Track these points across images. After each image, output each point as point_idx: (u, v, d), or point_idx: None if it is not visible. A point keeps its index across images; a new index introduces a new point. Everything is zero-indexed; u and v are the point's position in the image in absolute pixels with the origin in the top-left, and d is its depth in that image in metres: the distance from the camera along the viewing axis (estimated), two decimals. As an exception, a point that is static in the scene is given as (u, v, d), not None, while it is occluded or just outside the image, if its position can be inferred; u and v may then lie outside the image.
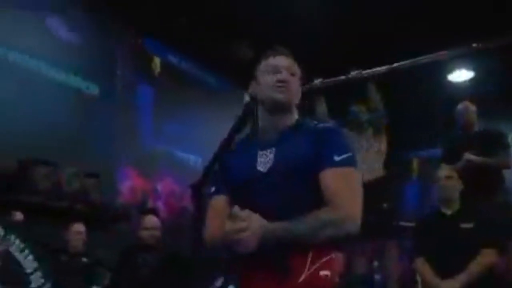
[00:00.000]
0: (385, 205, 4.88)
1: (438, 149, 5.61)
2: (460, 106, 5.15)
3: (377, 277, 5.54)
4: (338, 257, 4.04)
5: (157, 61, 7.86)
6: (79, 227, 4.95)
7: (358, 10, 6.88)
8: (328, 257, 1.81)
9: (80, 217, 5.18)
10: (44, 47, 6.37)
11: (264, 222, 1.72)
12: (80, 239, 4.90)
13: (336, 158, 1.83)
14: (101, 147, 6.50)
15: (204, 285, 4.23)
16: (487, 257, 3.81)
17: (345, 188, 1.81)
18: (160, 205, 7.21)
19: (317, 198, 1.81)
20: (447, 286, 3.77)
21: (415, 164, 10.18)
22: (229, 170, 1.97)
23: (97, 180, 6.05)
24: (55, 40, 6.50)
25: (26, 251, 5.11)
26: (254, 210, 1.77)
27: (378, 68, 5.16)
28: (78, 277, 4.72)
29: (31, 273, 5.09)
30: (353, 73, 5.14)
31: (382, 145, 5.07)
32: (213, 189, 2.00)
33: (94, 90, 6.85)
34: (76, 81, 6.64)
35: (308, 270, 1.77)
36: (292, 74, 2.03)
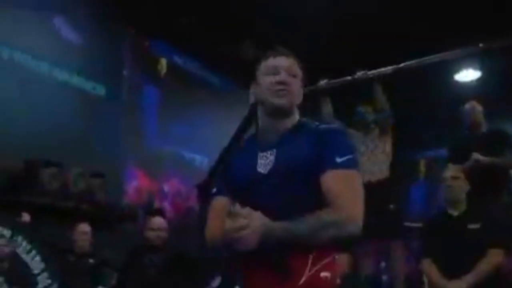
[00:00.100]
0: (391, 206, 4.86)
1: (445, 149, 5.58)
2: (466, 106, 5.13)
3: (384, 277, 5.53)
4: (343, 258, 4.05)
5: (163, 62, 7.88)
6: (85, 227, 4.96)
7: (364, 10, 6.86)
8: (329, 259, 1.81)
9: (86, 218, 5.18)
10: (51, 47, 6.39)
11: (265, 220, 1.72)
12: (86, 240, 4.90)
13: (338, 160, 1.82)
14: (107, 147, 6.52)
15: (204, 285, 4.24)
16: (494, 258, 3.79)
17: (346, 189, 1.79)
18: (166, 205, 7.22)
19: (318, 200, 1.80)
20: (454, 287, 3.75)
21: (422, 164, 10.15)
22: (229, 171, 1.95)
23: (103, 180, 6.06)
24: (61, 41, 6.52)
25: (33, 252, 5.13)
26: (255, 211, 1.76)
27: (384, 69, 5.15)
28: (84, 278, 4.73)
29: (38, 274, 5.11)
30: (359, 74, 5.13)
31: (387, 146, 5.05)
32: (214, 189, 1.99)
33: (100, 91, 6.87)
34: (82, 82, 6.66)
35: (309, 271, 1.76)
36: (292, 75, 1.98)
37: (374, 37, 7.08)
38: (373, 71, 5.14)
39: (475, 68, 8.32)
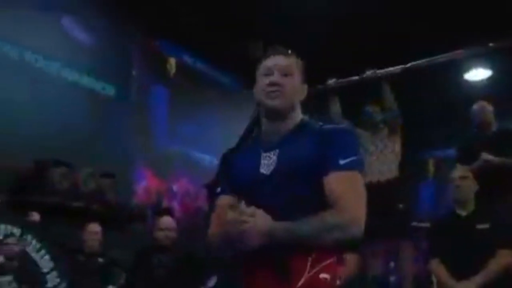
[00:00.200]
0: (400, 205, 4.84)
1: (454, 149, 5.56)
2: (476, 106, 5.10)
3: (392, 278, 5.52)
4: (351, 258, 4.04)
5: (172, 62, 7.89)
6: (94, 227, 4.98)
7: (373, 10, 6.85)
8: (329, 261, 1.78)
9: (96, 217, 5.20)
10: (61, 48, 6.43)
11: (269, 219, 1.72)
12: (96, 239, 4.92)
13: (341, 162, 1.80)
14: (117, 147, 6.55)
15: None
16: (503, 258, 3.76)
17: (349, 191, 1.77)
18: (175, 205, 7.24)
19: (321, 200, 1.78)
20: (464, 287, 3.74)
21: (430, 164, 10.12)
22: (232, 172, 1.95)
23: (112, 180, 6.08)
24: (71, 41, 6.56)
25: (43, 251, 5.15)
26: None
27: (393, 68, 5.13)
28: (94, 277, 4.75)
29: (48, 273, 5.14)
30: (368, 73, 5.12)
31: (396, 145, 5.04)
32: (219, 189, 1.99)
33: (109, 91, 6.90)
34: (91, 82, 6.69)
35: (308, 273, 1.74)
36: (286, 75, 1.94)
37: (383, 37, 7.07)
38: (382, 71, 5.13)
39: (485, 67, 8.28)
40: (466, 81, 8.58)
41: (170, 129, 7.73)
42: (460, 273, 3.76)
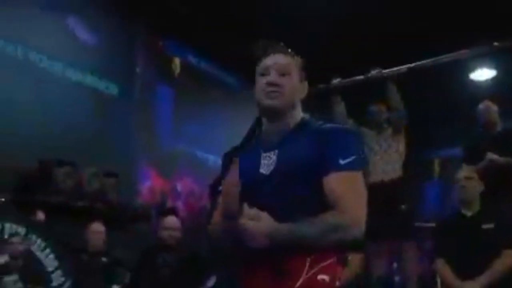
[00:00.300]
0: (403, 206, 4.84)
1: (459, 149, 5.55)
2: (481, 106, 5.09)
3: (396, 278, 5.51)
4: (355, 259, 4.03)
5: (176, 61, 7.89)
6: (98, 227, 4.98)
7: (378, 9, 6.84)
8: (328, 262, 1.77)
9: (100, 217, 5.21)
10: (65, 47, 6.44)
11: (271, 221, 1.71)
12: (99, 239, 4.92)
13: (341, 162, 1.77)
14: (120, 147, 6.55)
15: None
16: (508, 258, 3.75)
17: (350, 192, 1.76)
18: (179, 205, 7.24)
19: (321, 201, 1.77)
20: (469, 288, 3.73)
21: (436, 164, 10.10)
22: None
23: (116, 180, 6.08)
24: (75, 41, 6.56)
25: (47, 250, 5.16)
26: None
27: (398, 68, 5.12)
28: (97, 276, 4.75)
29: (52, 272, 5.14)
30: (373, 73, 5.11)
31: (400, 145, 5.03)
32: (220, 188, 1.98)
33: (113, 90, 6.90)
34: (95, 82, 6.69)
35: (306, 274, 1.73)
36: (286, 74, 1.91)
37: (388, 37, 7.05)
38: (387, 70, 5.12)
39: (490, 67, 8.26)
40: (471, 81, 8.55)
41: (174, 129, 7.73)
42: (465, 273, 3.76)
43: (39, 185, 5.40)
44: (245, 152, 1.89)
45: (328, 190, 1.76)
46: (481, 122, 5.07)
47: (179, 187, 7.57)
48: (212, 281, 4.26)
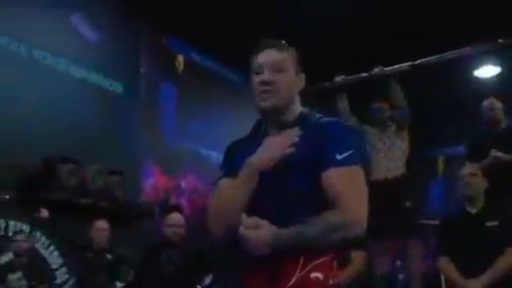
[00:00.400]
0: (407, 203, 4.82)
1: (463, 146, 5.53)
2: (485, 103, 5.07)
3: (400, 276, 5.50)
4: (359, 256, 4.03)
5: (180, 59, 7.90)
6: (102, 224, 4.99)
7: (383, 7, 6.82)
8: (321, 259, 1.72)
9: (104, 214, 5.22)
10: (69, 45, 6.45)
11: (272, 229, 1.68)
12: (104, 236, 4.93)
13: (339, 157, 1.72)
14: (125, 144, 6.56)
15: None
16: (512, 256, 3.74)
17: (349, 188, 1.71)
18: (183, 202, 7.24)
19: (320, 196, 1.72)
20: (473, 286, 3.71)
21: (440, 161, 10.08)
22: (234, 165, 1.87)
23: (120, 177, 6.10)
24: (79, 39, 6.57)
25: (52, 248, 5.19)
26: (255, 208, 1.74)
27: (401, 65, 5.11)
28: (102, 273, 4.76)
29: (56, 269, 5.17)
30: (376, 70, 5.10)
31: (404, 142, 5.02)
32: (221, 174, 1.94)
33: (117, 88, 6.91)
34: (100, 79, 6.71)
35: (300, 272, 1.69)
36: (280, 70, 1.84)
37: (392, 34, 7.04)
38: (390, 68, 5.11)
39: (494, 64, 8.23)
40: (476, 78, 8.53)
41: (178, 126, 7.74)
42: (469, 271, 3.74)
43: (43, 182, 5.42)
44: (246, 146, 1.87)
45: (327, 186, 1.72)
46: (485, 119, 5.05)
47: (182, 184, 7.58)
48: (209, 279, 4.26)
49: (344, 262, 3.89)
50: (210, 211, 1.86)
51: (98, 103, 6.58)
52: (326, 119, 1.86)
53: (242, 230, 1.70)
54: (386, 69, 5.09)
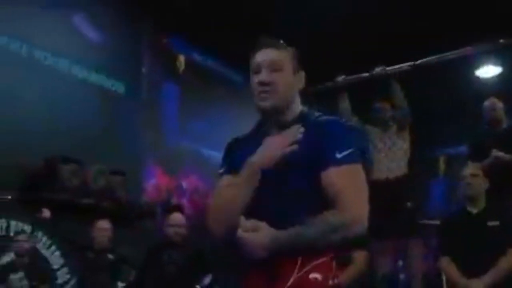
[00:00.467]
0: (408, 203, 4.82)
1: (465, 146, 5.54)
2: (486, 103, 5.07)
3: (401, 276, 5.50)
4: (360, 256, 4.02)
5: (182, 59, 7.90)
6: (104, 224, 4.99)
7: (383, 6, 6.82)
8: (320, 260, 1.71)
9: (106, 214, 5.22)
10: (70, 45, 6.45)
11: (272, 232, 1.67)
12: (105, 236, 4.93)
13: (339, 156, 1.70)
14: (127, 144, 6.57)
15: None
16: (514, 256, 3.74)
17: (349, 187, 1.69)
18: (184, 202, 7.25)
19: (320, 195, 1.71)
20: (475, 286, 3.71)
21: (441, 161, 10.08)
22: (234, 163, 1.87)
23: (122, 177, 6.11)
24: (81, 38, 6.58)
25: (53, 248, 5.19)
26: (256, 207, 1.73)
27: (403, 65, 5.12)
28: (103, 274, 4.76)
29: (58, 269, 5.18)
30: (377, 70, 5.10)
31: (405, 142, 5.02)
32: (221, 170, 1.93)
33: (119, 88, 6.92)
34: (101, 79, 6.71)
35: (298, 273, 1.68)
36: (278, 69, 1.82)
37: (393, 34, 7.04)
38: (391, 68, 5.11)
39: (495, 64, 8.22)
40: (477, 78, 8.52)
41: (180, 126, 7.74)
42: (471, 271, 3.74)
43: (45, 182, 5.43)
44: (247, 146, 1.85)
45: (327, 185, 1.70)
46: (487, 119, 5.05)
47: (184, 184, 7.59)
48: (208, 279, 4.26)
49: (345, 262, 3.89)
50: (210, 210, 1.85)
51: (99, 103, 6.58)
52: (325, 117, 1.85)
53: (240, 232, 1.69)
54: (387, 69, 5.09)
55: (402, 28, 6.97)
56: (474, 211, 3.96)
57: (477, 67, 8.32)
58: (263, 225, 1.68)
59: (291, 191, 1.74)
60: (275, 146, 1.75)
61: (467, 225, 3.93)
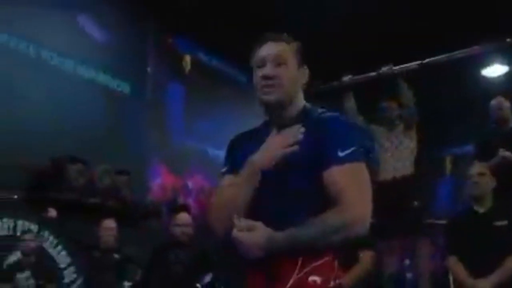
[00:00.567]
0: (415, 202, 4.81)
1: (471, 145, 5.52)
2: (493, 102, 5.05)
3: (408, 275, 5.48)
4: (367, 255, 4.01)
5: (187, 59, 7.91)
6: (110, 223, 5.00)
7: (391, 6, 6.81)
8: (321, 261, 1.67)
9: (112, 214, 5.23)
10: (76, 45, 6.47)
11: (268, 231, 1.64)
12: (111, 235, 4.94)
13: (341, 154, 1.66)
14: (132, 144, 6.58)
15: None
16: (521, 256, 3.72)
17: (352, 185, 1.64)
18: (190, 202, 7.25)
19: (321, 195, 1.67)
20: (482, 286, 3.69)
21: (448, 161, 10.05)
22: (236, 161, 1.84)
23: (128, 177, 6.12)
24: (87, 39, 6.59)
25: (60, 247, 5.21)
26: (256, 206, 1.71)
27: (409, 64, 5.10)
28: (109, 273, 4.77)
29: (64, 269, 5.20)
30: (384, 69, 5.09)
31: (412, 142, 5.00)
32: (224, 169, 1.91)
33: (125, 88, 6.93)
34: (107, 80, 6.73)
35: (297, 274, 1.64)
36: (282, 64, 1.79)
37: (401, 34, 7.03)
38: (398, 67, 5.10)
39: (502, 63, 8.19)
40: (484, 77, 8.49)
41: (185, 126, 7.75)
42: (478, 271, 3.72)
43: (51, 182, 5.44)
44: (249, 144, 1.83)
45: (329, 184, 1.67)
46: (494, 118, 5.03)
47: (190, 184, 7.59)
48: (208, 278, 4.26)
49: (352, 262, 3.88)
50: (212, 209, 1.84)
51: (105, 103, 6.60)
52: (328, 114, 1.80)
53: (235, 232, 1.66)
54: (394, 68, 5.08)
55: (409, 27, 6.96)
56: (481, 210, 3.94)
57: (484, 66, 8.29)
58: (258, 224, 1.65)
59: (291, 191, 1.71)
60: (275, 146, 1.73)
61: (474, 225, 3.91)
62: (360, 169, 1.70)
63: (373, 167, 4.90)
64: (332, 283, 1.68)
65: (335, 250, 1.72)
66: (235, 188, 1.76)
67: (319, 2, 6.88)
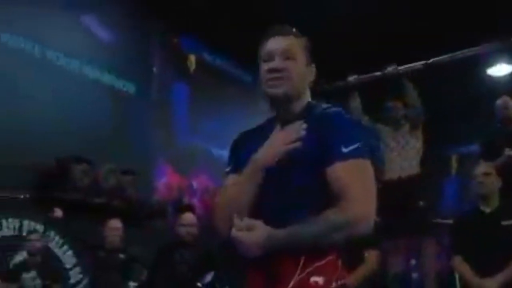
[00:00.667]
0: (421, 202, 4.80)
1: (477, 145, 5.51)
2: (499, 101, 5.04)
3: (414, 275, 5.46)
4: (372, 255, 4.00)
5: (192, 59, 7.91)
6: (115, 223, 5.00)
7: (395, 6, 6.80)
8: (323, 261, 1.63)
9: (117, 214, 5.23)
10: (82, 45, 6.48)
11: (268, 230, 1.61)
12: (117, 235, 4.94)
13: (345, 150, 1.62)
14: (137, 144, 6.58)
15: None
16: (528, 256, 3.71)
17: (356, 182, 1.60)
18: (195, 202, 7.25)
19: (324, 192, 1.63)
20: (488, 285, 3.68)
21: (454, 160, 10.02)
22: (240, 159, 1.83)
23: (133, 177, 6.13)
24: (92, 39, 6.61)
25: (65, 247, 5.22)
26: (259, 203, 1.69)
27: (415, 64, 5.09)
28: (115, 273, 4.78)
29: (70, 269, 5.21)
30: (389, 69, 5.08)
31: (418, 141, 4.99)
32: (228, 169, 1.89)
33: (130, 88, 6.94)
34: (112, 80, 6.74)
35: (299, 275, 1.61)
36: (290, 58, 1.75)
37: (405, 33, 7.01)
38: (403, 67, 5.09)
39: (508, 63, 8.16)
40: (489, 77, 8.46)
41: (191, 126, 7.75)
42: (484, 270, 3.71)
43: (57, 182, 5.46)
44: (253, 142, 1.80)
45: (332, 180, 1.63)
46: (499, 117, 5.02)
47: (195, 184, 7.59)
48: (210, 276, 4.26)
49: (357, 261, 3.88)
50: (216, 209, 1.82)
51: (110, 103, 6.61)
52: (332, 109, 1.77)
53: (234, 232, 1.63)
54: (399, 68, 5.07)
55: (414, 27, 6.94)
56: (487, 210, 3.93)
57: (490, 65, 8.26)
58: (258, 223, 1.62)
59: (294, 187, 1.68)
60: (278, 143, 1.71)
61: (480, 224, 3.90)
62: (365, 165, 1.66)
63: (378, 166, 4.90)
64: (334, 284, 1.64)
65: (339, 249, 1.68)
66: (238, 187, 1.75)
67: (325, 2, 6.87)
